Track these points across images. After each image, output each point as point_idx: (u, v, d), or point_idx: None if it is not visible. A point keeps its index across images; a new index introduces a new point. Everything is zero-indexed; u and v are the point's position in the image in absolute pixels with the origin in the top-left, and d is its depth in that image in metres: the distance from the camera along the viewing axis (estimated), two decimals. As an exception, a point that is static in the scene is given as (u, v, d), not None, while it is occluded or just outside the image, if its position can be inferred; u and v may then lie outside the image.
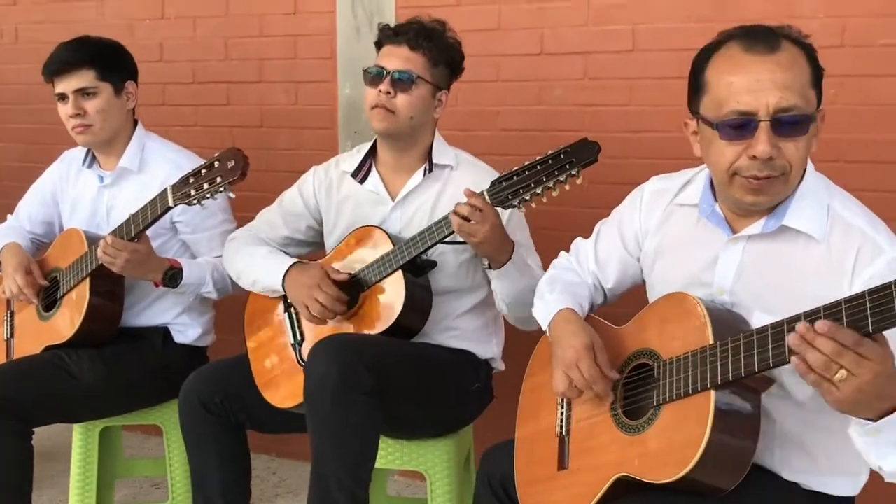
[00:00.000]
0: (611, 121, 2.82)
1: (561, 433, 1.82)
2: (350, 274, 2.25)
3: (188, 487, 2.66)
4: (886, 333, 1.32)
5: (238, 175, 2.14)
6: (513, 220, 2.21)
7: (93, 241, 2.47)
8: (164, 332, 2.60)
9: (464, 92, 2.71)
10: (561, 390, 1.73)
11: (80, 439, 2.63)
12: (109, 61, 2.52)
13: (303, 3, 3.24)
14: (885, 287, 1.27)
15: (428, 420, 2.27)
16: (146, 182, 2.54)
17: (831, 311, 1.34)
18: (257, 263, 2.36)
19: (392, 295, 2.18)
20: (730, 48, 1.58)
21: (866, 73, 2.57)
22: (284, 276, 2.28)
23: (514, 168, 2.03)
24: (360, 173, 2.37)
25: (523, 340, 2.48)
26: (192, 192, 2.21)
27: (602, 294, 1.97)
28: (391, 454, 2.32)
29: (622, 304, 2.02)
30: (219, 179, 2.16)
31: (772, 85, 1.51)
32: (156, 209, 2.28)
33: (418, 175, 2.32)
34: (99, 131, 2.53)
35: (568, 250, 2.21)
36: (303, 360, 2.27)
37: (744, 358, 1.48)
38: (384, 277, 2.19)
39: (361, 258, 2.26)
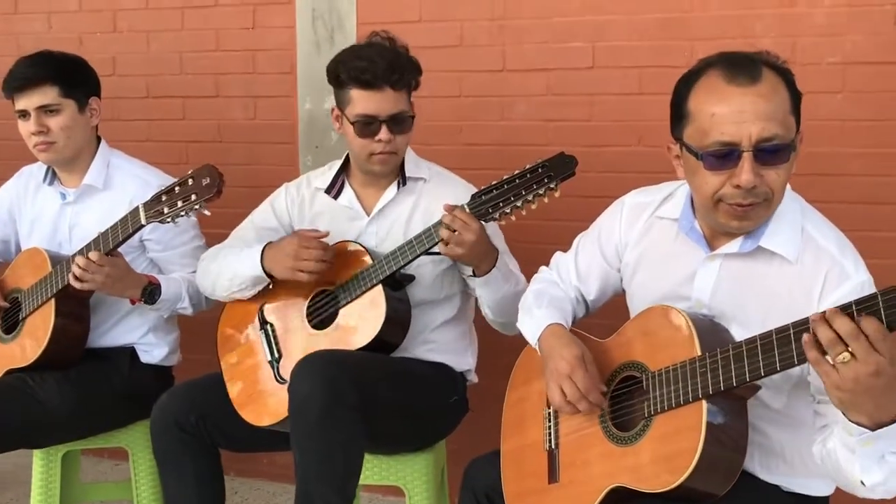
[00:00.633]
0: (573, 135, 2.88)
1: (550, 447, 1.85)
2: (329, 290, 2.24)
3: (156, 510, 2.61)
4: None
5: (214, 192, 2.11)
6: (489, 229, 2.24)
7: (56, 261, 2.40)
8: (130, 353, 2.54)
9: (427, 107, 2.73)
10: (557, 403, 1.76)
11: (41, 465, 2.55)
12: (72, 77, 2.47)
13: (261, 18, 3.22)
14: None
15: (408, 434, 2.28)
16: (112, 199, 2.49)
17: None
18: (230, 261, 2.33)
19: (372, 310, 2.18)
20: (710, 77, 1.62)
21: (814, 89, 2.69)
22: (262, 258, 2.25)
23: (494, 182, 2.06)
24: (334, 189, 2.37)
25: (492, 353, 2.53)
26: (166, 210, 2.17)
27: (584, 307, 2.02)
28: (369, 469, 2.31)
29: (600, 315, 2.08)
30: (193, 197, 2.13)
31: (754, 116, 1.56)
32: (127, 227, 2.24)
33: (392, 189, 2.34)
34: (62, 149, 2.47)
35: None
36: (281, 378, 2.26)
37: (734, 368, 1.54)
38: (364, 292, 2.19)
39: (340, 273, 2.25)
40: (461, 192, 2.29)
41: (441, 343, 2.35)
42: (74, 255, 2.31)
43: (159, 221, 2.19)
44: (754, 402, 1.65)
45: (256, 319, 2.36)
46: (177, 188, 2.16)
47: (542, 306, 1.92)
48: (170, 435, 2.27)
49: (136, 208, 2.22)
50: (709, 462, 1.55)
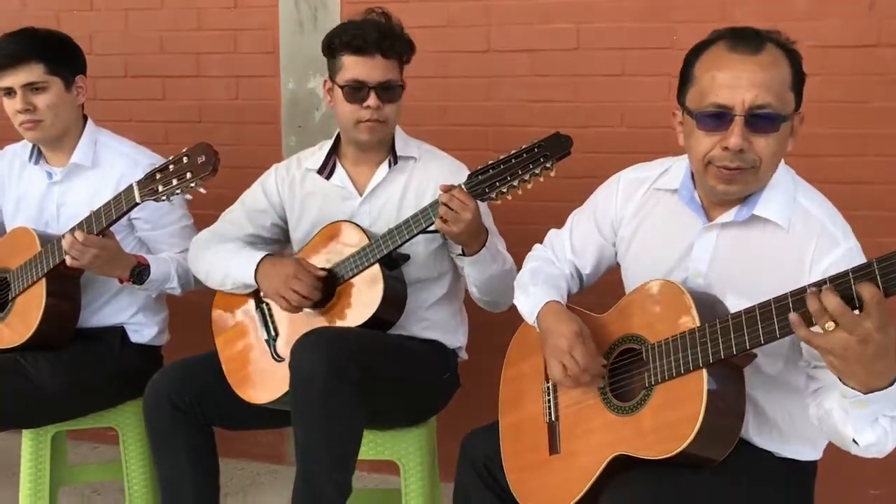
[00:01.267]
0: (557, 116, 2.91)
1: (550, 419, 1.89)
2: (326, 269, 2.26)
3: (147, 490, 2.61)
4: None
5: (210, 171, 2.11)
6: (481, 209, 2.27)
7: (46, 240, 2.38)
8: (120, 333, 2.53)
9: (412, 87, 2.73)
10: (558, 378, 1.80)
11: (30, 446, 2.53)
12: (59, 54, 2.43)
13: (243, -3, 3.20)
14: None
15: (404, 410, 2.31)
16: (101, 178, 2.47)
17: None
18: (226, 259, 2.34)
19: (369, 289, 2.20)
20: (717, 46, 1.70)
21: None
22: (256, 269, 2.27)
23: (490, 161, 2.08)
24: (326, 169, 2.38)
25: (484, 331, 2.56)
26: (160, 188, 2.17)
27: (578, 282, 2.06)
28: (363, 444, 2.29)
29: (593, 293, 2.13)
30: (189, 175, 2.13)
31: (750, 83, 1.63)
32: (121, 205, 2.23)
33: (383, 168, 2.36)
34: (49, 127, 2.44)
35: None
36: (278, 356, 2.27)
37: (734, 337, 1.59)
38: (361, 271, 2.21)
39: (336, 253, 2.27)
40: (452, 170, 2.32)
41: (434, 321, 2.38)
42: (66, 235, 2.28)
43: (154, 199, 2.18)
44: (749, 369, 1.71)
45: (252, 299, 2.36)
46: (171, 166, 2.16)
47: (538, 284, 1.96)
48: (163, 413, 2.27)
49: (130, 186, 2.21)
50: (710, 428, 1.60)
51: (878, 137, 2.72)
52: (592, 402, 1.82)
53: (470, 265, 2.21)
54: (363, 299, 2.20)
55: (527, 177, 2.04)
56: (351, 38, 2.22)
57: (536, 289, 1.95)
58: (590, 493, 1.74)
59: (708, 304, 1.72)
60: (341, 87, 2.24)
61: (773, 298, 1.54)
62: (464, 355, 2.50)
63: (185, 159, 2.14)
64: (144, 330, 2.58)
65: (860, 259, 1.65)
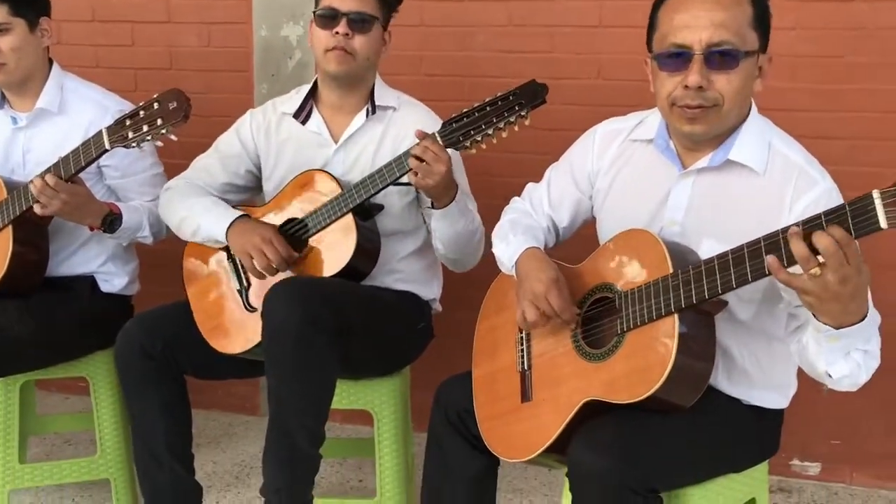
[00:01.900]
0: (532, 68, 2.87)
1: (522, 368, 1.90)
2: (299, 218, 2.24)
3: (118, 440, 2.60)
4: None
5: (181, 117, 2.08)
6: (454, 164, 2.25)
7: (12, 187, 2.34)
8: (90, 282, 2.51)
9: (388, 37, 2.72)
10: (531, 320, 1.80)
11: (0, 394, 2.51)
12: (22, -5, 2.37)
13: (216, -58, 3.13)
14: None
15: (378, 359, 2.31)
16: (68, 124, 2.42)
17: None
18: (199, 213, 2.31)
19: (342, 238, 2.18)
20: None
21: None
22: (229, 227, 2.25)
23: (465, 109, 2.06)
24: (302, 114, 2.35)
25: (459, 284, 2.56)
26: (130, 135, 2.13)
27: (555, 235, 2.06)
28: (337, 394, 2.31)
29: (569, 246, 2.13)
30: (160, 121, 2.09)
31: (708, 22, 1.66)
32: (90, 152, 2.18)
33: (361, 116, 2.33)
34: (13, 70, 2.38)
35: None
36: (250, 306, 2.26)
37: (706, 281, 1.60)
38: (333, 221, 2.19)
39: (309, 201, 2.25)
40: (431, 122, 2.29)
41: (408, 273, 2.38)
42: (35, 180, 2.24)
43: (124, 146, 2.14)
44: (721, 315, 1.73)
45: (223, 250, 2.34)
46: (141, 112, 2.12)
47: (517, 233, 1.96)
48: (135, 362, 2.26)
49: (100, 132, 2.17)
50: (679, 373, 1.62)
51: (851, 92, 2.73)
52: (565, 351, 1.83)
53: (438, 219, 2.19)
54: (336, 249, 2.18)
55: (501, 125, 2.02)
56: None
57: (516, 237, 1.96)
58: (561, 438, 1.75)
59: (681, 253, 1.73)
60: (317, 16, 2.24)
61: (746, 243, 1.55)
62: (438, 307, 2.50)
63: (155, 105, 2.10)
64: (115, 279, 2.56)
65: (838, 200, 1.67)
